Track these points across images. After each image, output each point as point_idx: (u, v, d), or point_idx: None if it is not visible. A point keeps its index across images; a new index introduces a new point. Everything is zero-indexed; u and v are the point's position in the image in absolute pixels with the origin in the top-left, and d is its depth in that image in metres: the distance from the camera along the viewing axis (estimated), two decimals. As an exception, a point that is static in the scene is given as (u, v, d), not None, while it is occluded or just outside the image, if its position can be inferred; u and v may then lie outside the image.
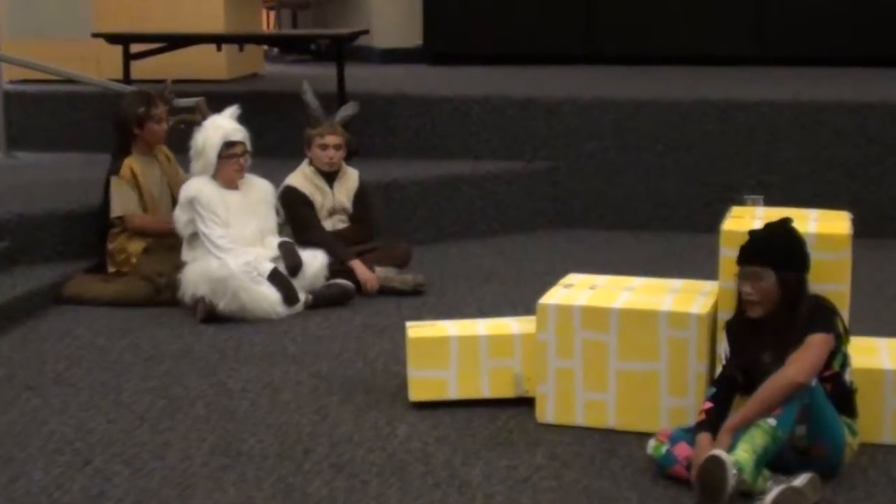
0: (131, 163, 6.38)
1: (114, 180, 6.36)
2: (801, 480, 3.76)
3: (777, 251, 4.05)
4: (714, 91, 8.08)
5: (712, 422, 3.97)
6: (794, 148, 7.63)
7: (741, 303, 4.12)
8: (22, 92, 8.82)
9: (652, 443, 4.05)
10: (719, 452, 3.72)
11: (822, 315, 4.01)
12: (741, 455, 3.74)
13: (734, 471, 3.69)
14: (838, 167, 7.58)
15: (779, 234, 4.10)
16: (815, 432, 3.89)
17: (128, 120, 6.40)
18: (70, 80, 8.37)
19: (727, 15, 10.13)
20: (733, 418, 3.87)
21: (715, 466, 3.69)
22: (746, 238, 4.11)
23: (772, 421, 3.79)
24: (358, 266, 6.31)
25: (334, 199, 6.55)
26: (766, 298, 4.01)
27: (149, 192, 6.39)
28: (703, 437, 3.92)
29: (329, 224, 6.52)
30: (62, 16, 9.32)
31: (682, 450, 3.97)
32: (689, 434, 4.01)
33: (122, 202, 6.33)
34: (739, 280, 4.07)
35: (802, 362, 3.87)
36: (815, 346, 3.92)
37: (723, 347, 4.19)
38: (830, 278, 4.22)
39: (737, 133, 7.70)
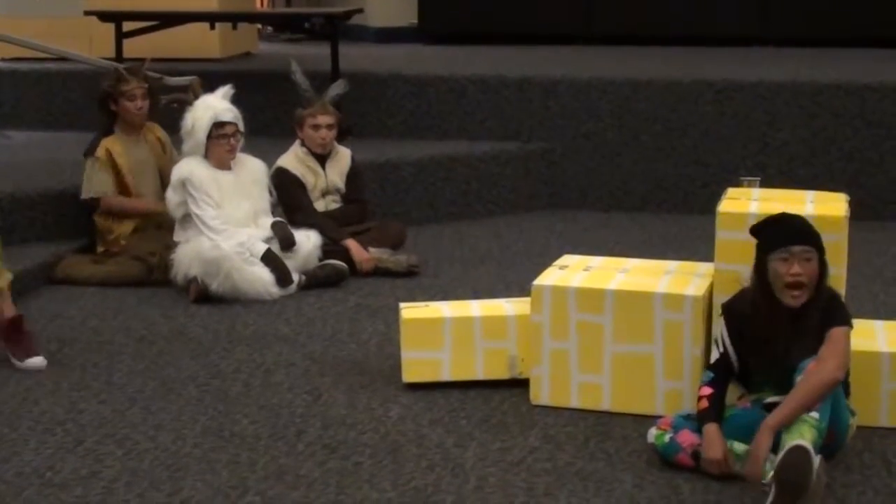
0: (109, 143, 6.37)
1: (87, 162, 6.36)
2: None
3: (816, 234, 3.99)
4: (712, 72, 8.07)
5: (716, 410, 3.97)
6: (792, 129, 7.63)
7: (767, 289, 3.96)
8: (14, 70, 8.80)
9: (653, 431, 4.04)
10: (804, 443, 3.63)
11: (839, 307, 3.98)
12: None
13: (818, 457, 3.65)
14: (836, 149, 7.58)
15: (804, 219, 4.02)
16: (830, 419, 3.87)
17: (102, 97, 6.40)
18: (62, 59, 8.35)
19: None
20: (773, 417, 3.77)
21: (801, 459, 3.60)
22: (785, 219, 3.99)
23: (815, 414, 3.74)
24: (353, 245, 6.31)
25: (327, 179, 6.55)
26: (812, 282, 3.93)
27: (128, 172, 6.37)
28: (711, 428, 3.91)
29: (322, 205, 6.52)
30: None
31: (686, 437, 3.96)
32: (690, 421, 4.01)
33: (94, 184, 6.33)
34: (781, 262, 3.91)
35: (838, 359, 3.82)
36: (843, 340, 3.88)
37: (720, 331, 4.15)
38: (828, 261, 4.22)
39: (734, 114, 7.71)
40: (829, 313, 3.94)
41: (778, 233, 3.97)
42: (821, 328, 3.92)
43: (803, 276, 3.91)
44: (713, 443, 3.89)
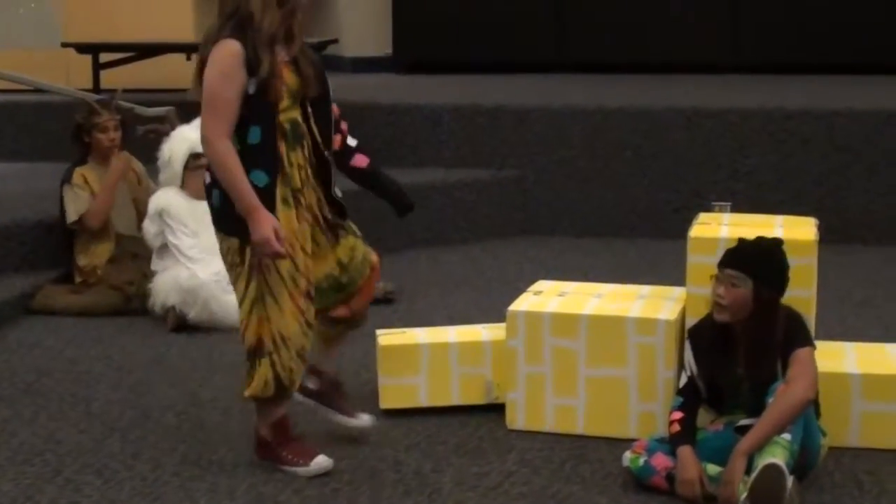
0: (83, 171, 6.36)
1: (65, 188, 6.34)
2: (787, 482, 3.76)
3: (761, 263, 4.01)
4: (682, 99, 8.12)
5: (688, 432, 3.99)
6: (762, 155, 7.67)
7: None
8: (-10, 102, 8.78)
9: (628, 455, 4.05)
10: (777, 461, 3.69)
11: (800, 328, 4.02)
12: None
13: (791, 478, 3.69)
14: (805, 174, 7.62)
15: (767, 249, 4.06)
16: (802, 440, 3.89)
17: (74, 130, 6.40)
18: (39, 90, 8.34)
19: (698, 23, 10.19)
20: (745, 441, 3.81)
21: (774, 476, 3.66)
22: (735, 243, 4.08)
23: (787, 436, 3.78)
24: None
25: (304, 207, 6.54)
26: (736, 306, 3.98)
27: None
28: (686, 451, 3.92)
29: (299, 233, 6.51)
30: (32, 26, 9.30)
31: (660, 460, 3.97)
32: (664, 444, 4.02)
33: (76, 206, 6.30)
34: (714, 282, 4.03)
35: (806, 379, 3.86)
36: (808, 360, 3.92)
37: (686, 355, 4.18)
38: (797, 284, 4.24)
39: (705, 140, 7.74)
40: (790, 335, 3.98)
41: (724, 253, 4.06)
42: (783, 350, 3.95)
43: (723, 299, 3.98)
44: (687, 464, 3.90)
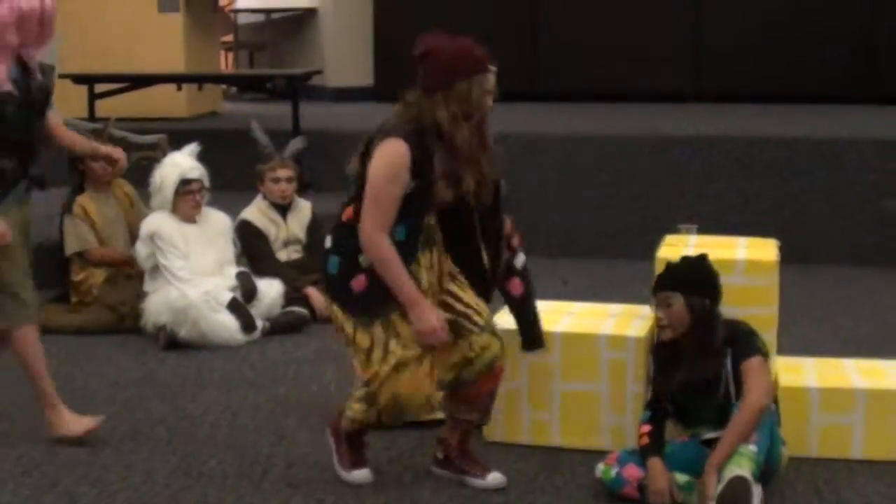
0: (83, 200, 6.37)
1: (66, 219, 6.35)
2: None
3: (684, 277, 4.08)
4: (651, 126, 8.17)
5: (657, 444, 4.01)
6: (726, 180, 7.73)
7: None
8: (-11, 130, 8.75)
9: (601, 467, 4.07)
10: (744, 474, 3.73)
11: (746, 340, 4.05)
12: None
13: (758, 491, 3.73)
14: (767, 198, 7.68)
15: (690, 263, 4.13)
16: (767, 450, 3.92)
17: (70, 158, 6.41)
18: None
19: (665, 55, 10.26)
20: (716, 455, 3.84)
21: (741, 488, 3.71)
22: (664, 268, 4.15)
23: (752, 447, 3.82)
24: (313, 293, 6.32)
25: (288, 230, 6.57)
26: (675, 322, 4.04)
27: (100, 227, 6.37)
28: (655, 463, 3.94)
29: (284, 255, 6.54)
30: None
31: (632, 471, 3.99)
32: (635, 456, 4.05)
33: (79, 239, 6.31)
34: (654, 307, 4.12)
35: (759, 387, 3.91)
36: (759, 369, 3.96)
37: (651, 371, 4.23)
38: (760, 302, 4.29)
39: (672, 166, 7.79)
40: (739, 349, 4.02)
41: (655, 280, 4.14)
42: (734, 363, 3.99)
43: (663, 319, 4.06)
44: (658, 475, 3.92)
